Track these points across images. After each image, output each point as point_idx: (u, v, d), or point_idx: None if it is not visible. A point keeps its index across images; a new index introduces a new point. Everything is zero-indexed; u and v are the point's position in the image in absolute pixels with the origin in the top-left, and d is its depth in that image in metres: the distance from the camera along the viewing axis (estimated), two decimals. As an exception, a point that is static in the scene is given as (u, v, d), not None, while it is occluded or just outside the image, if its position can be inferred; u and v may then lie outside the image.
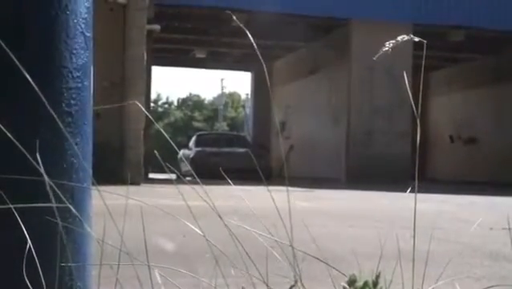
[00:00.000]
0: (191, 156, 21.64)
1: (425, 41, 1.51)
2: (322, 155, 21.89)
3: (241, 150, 20.62)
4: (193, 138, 24.13)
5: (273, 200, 1.44)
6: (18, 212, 1.19)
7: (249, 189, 8.45)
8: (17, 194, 1.23)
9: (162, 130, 1.75)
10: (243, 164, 15.31)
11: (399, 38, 1.49)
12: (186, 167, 20.86)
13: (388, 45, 1.49)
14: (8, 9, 1.29)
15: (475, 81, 25.39)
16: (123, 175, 11.61)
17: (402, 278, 1.68)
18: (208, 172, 18.36)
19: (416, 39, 1.51)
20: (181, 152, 23.02)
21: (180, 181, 1.73)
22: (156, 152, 1.53)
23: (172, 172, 1.70)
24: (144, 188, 11.22)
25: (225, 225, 1.41)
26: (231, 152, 20.72)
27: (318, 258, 1.62)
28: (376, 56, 1.55)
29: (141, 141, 12.99)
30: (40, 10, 1.32)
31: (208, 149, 21.49)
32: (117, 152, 12.55)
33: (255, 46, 1.35)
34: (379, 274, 1.59)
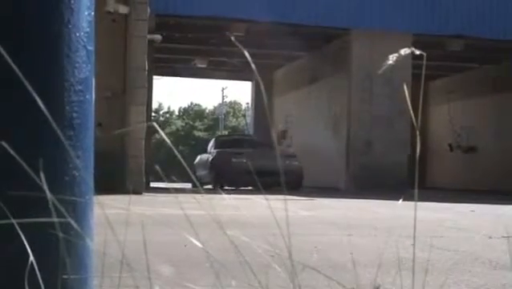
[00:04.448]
0: (209, 159, 19.00)
1: (425, 53, 1.53)
2: (322, 164, 21.89)
3: (270, 149, 16.60)
4: (212, 141, 21.73)
5: (271, 209, 1.46)
6: (19, 225, 1.21)
7: (249, 198, 8.45)
8: (19, 208, 1.24)
9: (167, 138, 1.76)
10: (273, 166, 11.49)
11: (401, 51, 1.50)
12: (202, 173, 18.94)
13: (392, 58, 1.50)
14: (10, 23, 1.31)
15: (474, 90, 25.42)
16: (124, 184, 11.61)
17: (401, 288, 1.70)
18: (230, 176, 16.73)
19: (418, 52, 1.52)
20: (198, 158, 21.34)
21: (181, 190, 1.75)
22: (156, 166, 1.55)
23: (172, 181, 1.71)
24: (146, 197, 11.22)
25: (229, 239, 1.43)
26: (257, 153, 17.19)
27: (317, 270, 1.64)
28: (381, 70, 1.57)
29: (143, 150, 13.00)
30: (42, 24, 1.34)
31: (229, 150, 18.52)
32: (119, 162, 12.56)
33: (250, 60, 1.37)
34: (379, 287, 1.60)
